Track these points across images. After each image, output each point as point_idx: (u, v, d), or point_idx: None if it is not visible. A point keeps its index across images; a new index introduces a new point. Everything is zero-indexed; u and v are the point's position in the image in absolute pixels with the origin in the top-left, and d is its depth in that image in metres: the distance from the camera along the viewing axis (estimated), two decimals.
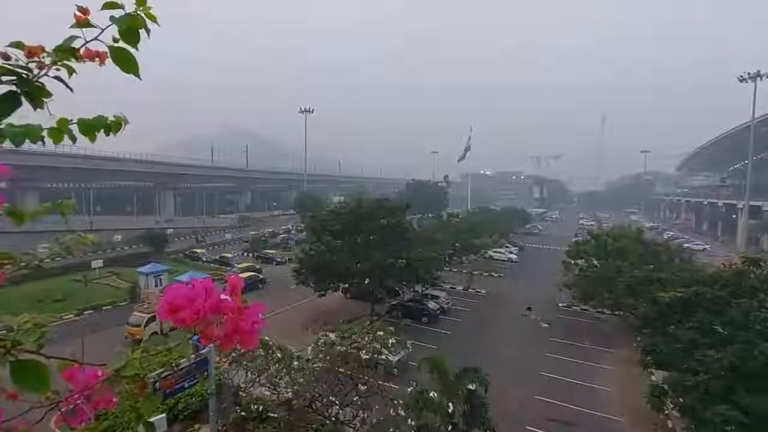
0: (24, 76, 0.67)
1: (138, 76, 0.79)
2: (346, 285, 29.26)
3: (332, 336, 15.22)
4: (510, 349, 24.46)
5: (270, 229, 67.21)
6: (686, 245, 48.14)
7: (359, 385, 13.76)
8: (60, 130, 0.99)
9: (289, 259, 43.44)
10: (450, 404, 12.79)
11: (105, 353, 18.93)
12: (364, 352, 14.22)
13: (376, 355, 14.71)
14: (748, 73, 54.18)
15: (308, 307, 30.05)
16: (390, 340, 15.18)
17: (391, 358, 17.16)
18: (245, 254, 50.80)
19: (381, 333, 14.98)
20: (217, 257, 46.79)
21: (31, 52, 0.66)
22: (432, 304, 29.44)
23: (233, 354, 15.32)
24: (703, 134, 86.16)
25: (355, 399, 13.71)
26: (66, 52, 0.71)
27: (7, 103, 0.67)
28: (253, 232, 62.69)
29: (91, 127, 1.00)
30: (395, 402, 13.74)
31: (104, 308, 30.55)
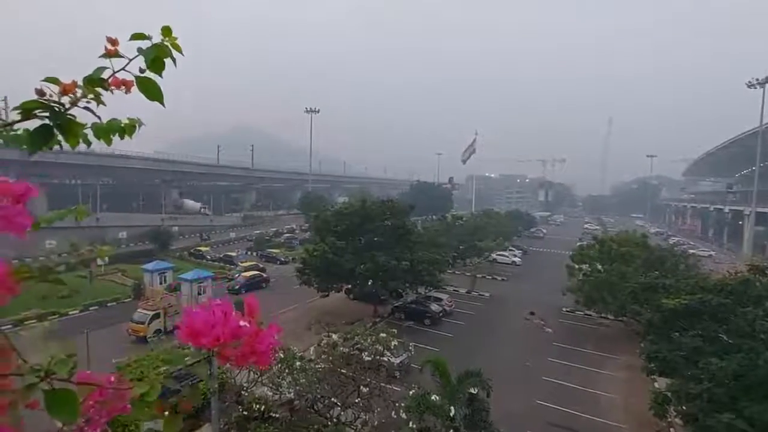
0: (57, 109, 0.71)
1: (162, 103, 0.82)
2: (349, 286, 29.31)
3: (335, 337, 15.26)
4: (512, 353, 24.39)
5: (274, 229, 67.46)
6: (692, 251, 47.80)
7: (361, 386, 13.79)
8: (75, 135, 1.03)
9: (292, 259, 43.57)
10: (451, 408, 12.78)
11: (108, 350, 19.06)
12: (366, 353, 14.25)
13: (378, 357, 14.74)
14: (757, 79, 53.76)
15: (311, 308, 30.11)
16: (392, 342, 15.20)
17: (393, 360, 17.17)
18: (249, 253, 50.99)
19: (384, 335, 15.00)
20: (222, 256, 47.00)
21: (66, 90, 0.69)
22: (435, 307, 29.41)
23: None
24: (711, 139, 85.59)
25: (356, 401, 13.74)
26: (95, 82, 0.74)
27: (41, 136, 0.71)
28: (258, 232, 62.95)
29: (105, 131, 1.03)
30: (397, 404, 13.75)
31: (109, 304, 30.77)
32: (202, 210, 77.58)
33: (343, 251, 27.84)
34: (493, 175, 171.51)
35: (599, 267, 29.41)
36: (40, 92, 0.69)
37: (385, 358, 15.59)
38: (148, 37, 0.78)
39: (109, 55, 0.75)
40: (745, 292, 16.11)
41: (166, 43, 0.78)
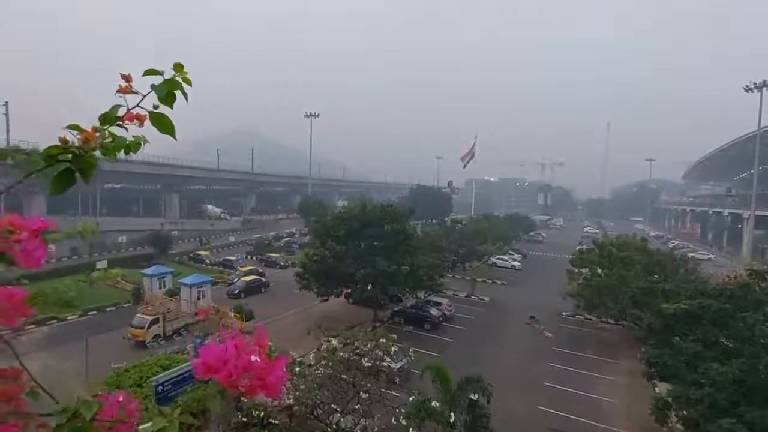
0: (77, 153, 0.74)
1: (174, 136, 0.85)
2: (349, 290, 29.29)
3: (334, 342, 15.22)
4: (513, 358, 24.35)
5: (274, 233, 67.47)
6: (691, 255, 47.79)
7: (361, 392, 13.74)
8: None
9: (292, 263, 43.54)
10: (452, 414, 12.74)
11: (107, 355, 18.98)
12: (366, 359, 14.21)
13: (378, 363, 14.69)
14: (755, 83, 54.01)
15: (311, 312, 30.06)
16: (392, 348, 15.17)
17: (393, 365, 17.12)
18: (249, 257, 50.97)
19: (383, 340, 14.97)
20: (221, 260, 46.99)
21: (87, 138, 0.72)
22: (435, 311, 29.38)
23: None
24: (710, 142, 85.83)
25: (356, 407, 13.68)
26: (111, 120, 0.77)
27: (64, 180, 0.74)
28: (258, 236, 62.94)
29: (112, 150, 1.06)
30: (397, 410, 13.71)
31: (108, 309, 30.73)
32: (223, 215, 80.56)
33: (343, 256, 27.85)
34: (492, 179, 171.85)
35: (599, 271, 29.42)
36: (64, 141, 0.73)
37: (385, 364, 15.54)
38: (161, 73, 0.81)
39: (123, 92, 0.78)
40: (745, 296, 16.12)
41: (177, 78, 0.81)
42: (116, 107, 0.79)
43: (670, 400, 15.32)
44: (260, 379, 0.74)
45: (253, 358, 0.75)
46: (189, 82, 0.83)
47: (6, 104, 52.68)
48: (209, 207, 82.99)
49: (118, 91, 0.78)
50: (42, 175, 0.80)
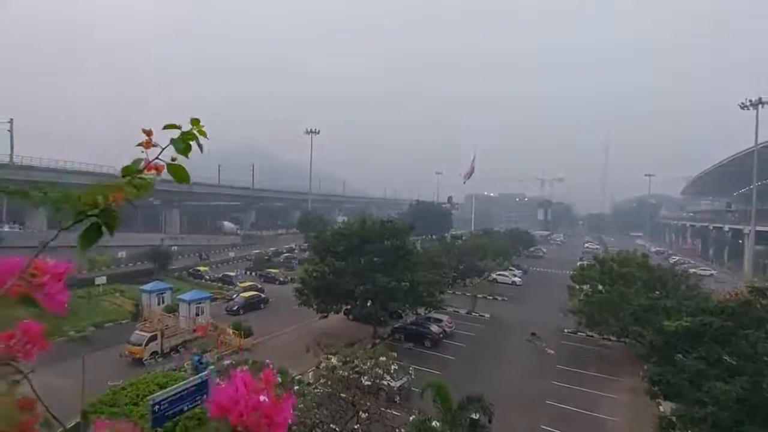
0: (105, 209, 0.80)
1: (188, 183, 0.91)
2: (349, 306, 29.12)
3: (334, 360, 15.09)
4: (515, 376, 24.05)
5: (273, 248, 67.36)
6: (693, 271, 47.65)
7: (360, 412, 13.56)
8: (93, 191, 1.12)
9: (291, 279, 43.36)
10: None
11: (104, 372, 18.74)
12: (366, 377, 14.07)
13: (378, 381, 14.54)
14: (750, 101, 54.68)
15: (310, 329, 29.81)
16: (392, 366, 15.03)
17: (393, 384, 16.94)
18: (248, 273, 50.77)
19: (383, 358, 14.85)
20: (221, 275, 46.80)
21: (115, 198, 0.79)
22: (435, 328, 29.15)
23: None
24: (710, 157, 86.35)
25: (356, 426, 13.50)
26: (134, 172, 0.84)
27: (92, 233, 0.80)
28: (257, 251, 62.82)
29: (117, 188, 1.12)
30: (397, 430, 13.50)
31: (106, 325, 30.46)
32: (237, 231, 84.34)
33: (343, 272, 27.78)
34: (492, 194, 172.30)
35: (600, 287, 29.31)
36: (95, 202, 0.79)
37: (385, 382, 15.39)
38: (178, 127, 0.88)
39: (145, 147, 0.85)
40: (747, 314, 16.04)
41: (194, 131, 0.88)
42: (138, 161, 0.86)
43: (674, 419, 15.11)
44: (268, 418, 0.79)
45: (261, 398, 0.79)
46: (204, 134, 0.90)
47: (11, 121, 53.28)
48: (226, 223, 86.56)
49: (139, 145, 0.85)
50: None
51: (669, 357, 17.09)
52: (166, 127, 0.88)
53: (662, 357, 17.62)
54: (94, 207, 0.79)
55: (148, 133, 0.85)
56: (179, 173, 0.91)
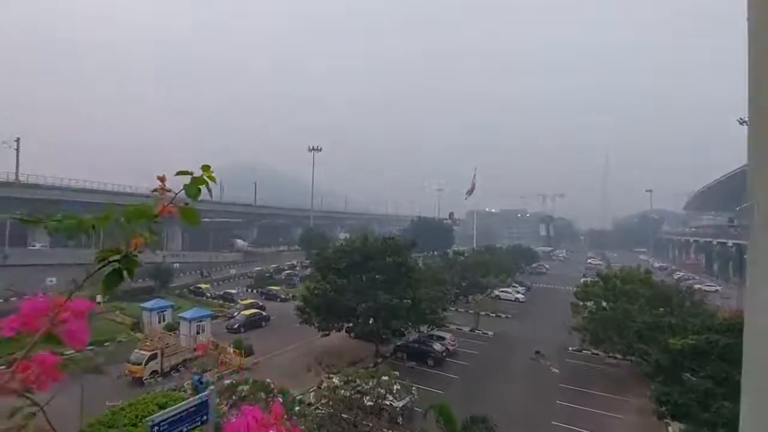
0: (126, 255, 0.88)
1: (199, 225, 0.99)
2: (350, 325, 28.90)
3: (335, 380, 14.92)
4: (519, 395, 23.65)
5: (275, 265, 67.25)
6: (697, 286, 47.18)
7: None
8: (107, 218, 1.19)
9: (293, 296, 43.15)
10: None
11: (103, 392, 18.52)
12: (368, 397, 13.88)
13: (380, 401, 14.34)
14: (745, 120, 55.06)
15: (311, 347, 29.52)
16: (395, 386, 14.84)
17: (395, 404, 16.68)
18: (249, 290, 50.57)
19: (386, 378, 14.67)
20: (222, 293, 46.63)
21: (136, 245, 0.87)
22: (438, 346, 28.82)
23: (234, 397, 15.03)
24: (709, 173, 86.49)
25: None
26: (150, 216, 0.91)
27: (114, 278, 0.87)
28: (258, 268, 62.73)
29: (136, 215, 1.20)
30: None
31: (105, 344, 30.21)
32: (248, 247, 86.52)
33: (344, 289, 27.67)
34: (493, 210, 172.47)
35: (604, 304, 29.04)
36: (118, 250, 0.87)
37: (388, 402, 15.17)
38: (190, 173, 0.96)
39: (159, 193, 0.92)
40: None
41: (204, 177, 0.96)
42: (153, 205, 0.93)
43: None
44: None
45: None
46: (214, 179, 0.98)
47: (18, 140, 54.06)
48: (238, 241, 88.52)
49: (154, 191, 0.92)
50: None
51: (676, 376, 16.83)
52: (179, 173, 0.95)
53: (669, 376, 17.36)
54: (116, 253, 0.86)
55: (162, 179, 0.93)
56: (191, 217, 0.99)
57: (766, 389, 0.83)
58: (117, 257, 0.86)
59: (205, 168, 0.97)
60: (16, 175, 53.40)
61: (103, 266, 0.88)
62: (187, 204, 0.96)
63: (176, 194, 0.95)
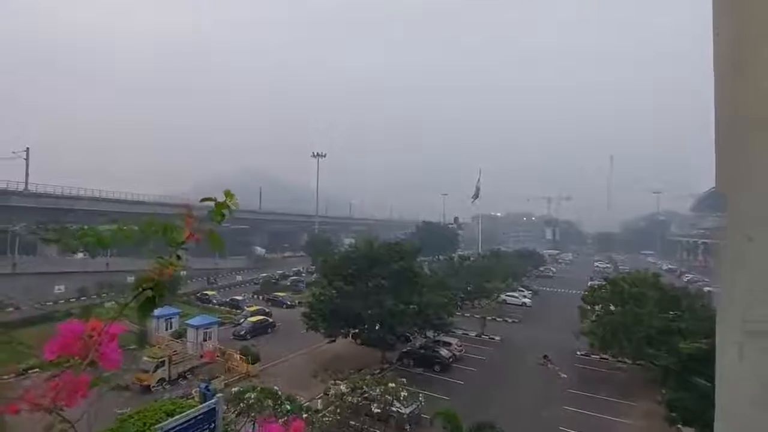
0: (159, 282, 0.93)
1: (223, 252, 1.04)
2: (356, 331, 28.88)
3: (342, 387, 14.91)
4: (527, 400, 23.46)
5: (281, 271, 67.41)
6: (707, 289, 46.66)
7: None
8: (126, 236, 1.25)
9: (299, 302, 43.19)
10: None
11: (111, 400, 18.63)
12: (375, 404, 13.85)
13: (387, 408, 14.30)
14: None
15: (318, 353, 29.52)
16: (402, 392, 14.80)
17: (403, 411, 16.61)
18: (256, 297, 50.71)
19: (393, 384, 14.64)
20: (228, 300, 46.77)
21: (167, 273, 0.92)
22: (444, 352, 28.69)
23: (241, 405, 15.05)
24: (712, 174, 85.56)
25: None
26: (178, 243, 0.96)
27: (149, 305, 0.92)
28: (264, 274, 62.90)
29: (150, 231, 1.25)
30: None
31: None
32: (265, 254, 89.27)
33: (350, 295, 27.68)
34: (498, 214, 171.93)
35: (612, 308, 28.77)
36: (149, 278, 0.92)
37: (395, 409, 15.12)
38: (213, 199, 1.01)
39: (187, 223, 0.98)
40: None
41: (228, 203, 1.01)
42: (180, 232, 0.99)
43: None
44: None
45: None
46: (236, 205, 1.03)
47: (27, 150, 54.83)
48: (257, 248, 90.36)
49: (181, 217, 0.97)
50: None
51: (687, 380, 16.64)
52: (203, 200, 1.00)
53: (680, 380, 17.17)
54: (149, 282, 0.91)
55: (187, 206, 0.98)
56: (215, 242, 1.04)
57: (736, 396, 0.85)
58: (151, 285, 0.92)
59: (228, 194, 1.02)
60: (26, 184, 54.11)
61: (139, 294, 0.94)
62: (212, 231, 1.01)
63: (200, 221, 1.00)
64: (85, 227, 1.32)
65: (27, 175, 54.20)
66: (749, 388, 0.81)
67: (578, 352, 31.07)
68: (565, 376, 27.32)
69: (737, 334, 0.84)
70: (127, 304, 0.97)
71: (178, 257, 0.99)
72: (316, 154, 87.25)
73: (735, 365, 0.82)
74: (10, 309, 38.18)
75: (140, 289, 0.93)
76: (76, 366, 0.87)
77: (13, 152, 54.10)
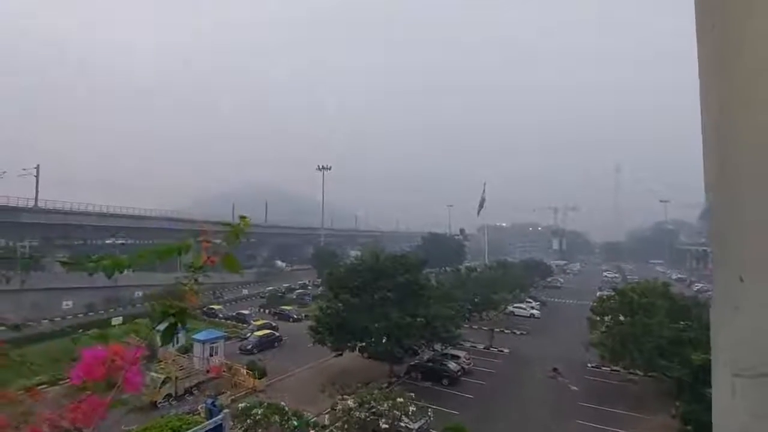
0: (181, 309, 0.97)
1: (239, 272, 1.07)
2: (363, 344, 28.66)
3: (350, 402, 14.75)
4: (537, 414, 23.03)
5: (287, 285, 67.35)
6: None
7: None
8: (141, 257, 1.28)
9: (305, 316, 43.03)
10: None
11: (117, 416, 18.53)
12: (383, 420, 13.67)
13: (396, 423, 14.11)
14: None
15: (325, 367, 29.29)
16: (410, 407, 14.61)
17: (411, 426, 16.36)
18: (262, 310, 50.61)
19: (401, 399, 14.46)
20: (234, 314, 46.72)
21: (192, 301, 0.96)
22: (452, 365, 28.35)
23: (248, 421, 14.94)
24: None
25: None
26: (198, 269, 1.00)
27: (170, 332, 0.96)
28: (270, 288, 62.86)
29: (166, 254, 1.29)
30: None
31: None
32: (286, 267, 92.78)
33: (357, 308, 27.55)
34: (504, 225, 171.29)
35: (621, 318, 28.36)
36: (184, 309, 0.96)
37: (403, 424, 14.91)
38: (230, 224, 1.05)
39: (204, 246, 1.01)
40: None
41: (241, 226, 1.05)
42: (200, 257, 1.02)
43: None
44: None
45: None
46: (248, 226, 1.07)
47: (37, 167, 55.77)
48: (279, 262, 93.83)
49: (200, 240, 1.01)
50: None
51: (701, 393, 16.28)
52: (221, 224, 1.04)
53: (694, 393, 16.81)
54: (172, 308, 0.94)
55: (204, 232, 1.02)
56: (231, 264, 1.07)
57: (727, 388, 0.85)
58: (173, 311, 0.95)
59: (243, 219, 1.06)
60: (35, 201, 54.89)
61: (163, 320, 0.97)
62: (228, 253, 1.05)
63: (217, 243, 1.03)
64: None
65: (37, 191, 55.01)
66: (741, 422, 0.81)
67: (588, 364, 30.56)
68: (576, 388, 26.85)
69: (729, 375, 0.84)
70: (153, 329, 1.00)
71: (196, 281, 1.02)
72: (321, 167, 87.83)
73: (729, 401, 0.83)
74: (19, 324, 38.36)
75: (164, 315, 0.96)
76: (100, 389, 0.90)
77: (24, 169, 55.01)
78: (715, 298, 0.90)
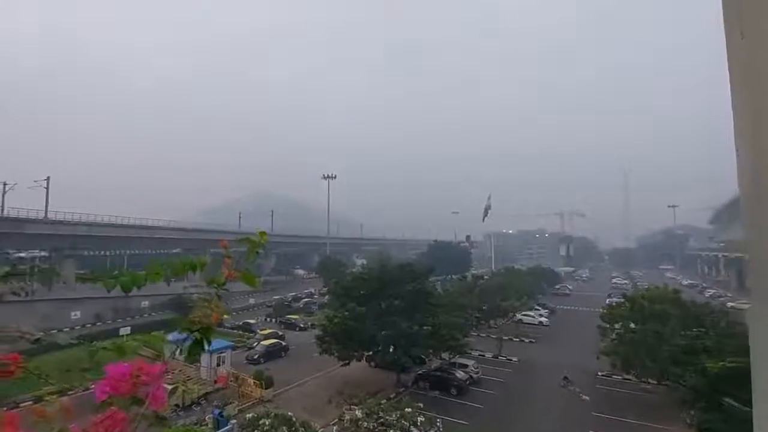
0: (206, 327, 0.98)
1: (257, 286, 1.09)
2: (370, 353, 28.48)
3: (358, 412, 14.62)
4: (548, 425, 22.67)
5: (293, 293, 67.34)
6: (730, 304, 45.15)
7: None
8: (158, 274, 1.30)
9: (311, 325, 42.92)
10: None
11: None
12: (392, 430, 13.54)
13: None
14: None
15: (332, 377, 29.12)
16: (419, 417, 14.45)
17: None
18: (268, 320, 50.58)
19: (409, 410, 14.32)
20: (241, 323, 46.73)
21: (216, 318, 0.97)
22: (461, 374, 28.04)
23: None
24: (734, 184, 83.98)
25: None
26: (220, 284, 1.02)
27: (198, 346, 0.97)
28: (277, 297, 62.89)
29: (181, 269, 1.30)
30: None
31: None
32: (305, 276, 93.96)
33: (363, 317, 27.44)
34: (511, 232, 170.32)
35: (632, 326, 27.94)
36: (199, 321, 0.97)
37: None
38: (249, 239, 1.07)
39: (226, 263, 1.03)
40: None
41: (261, 241, 1.07)
42: (221, 274, 1.04)
43: None
44: None
45: None
46: (265, 240, 1.09)
47: (48, 179, 56.59)
48: (299, 271, 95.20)
49: (221, 246, 1.03)
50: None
51: (716, 401, 15.94)
52: (241, 240, 1.06)
53: (710, 401, 16.46)
54: (197, 324, 0.96)
55: (224, 245, 1.04)
56: (249, 279, 1.09)
57: None
58: (198, 328, 0.96)
59: (261, 234, 1.08)
60: (45, 212, 55.61)
61: (188, 337, 0.98)
62: (246, 269, 1.06)
63: (236, 260, 1.05)
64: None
65: (47, 203, 55.74)
66: None
67: (599, 373, 30.08)
68: (587, 398, 26.40)
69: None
70: (179, 347, 1.01)
71: (218, 297, 1.04)
72: (326, 176, 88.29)
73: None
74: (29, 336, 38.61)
75: (190, 332, 0.98)
76: (125, 404, 0.91)
77: (35, 181, 55.85)
78: (753, 307, 0.90)
